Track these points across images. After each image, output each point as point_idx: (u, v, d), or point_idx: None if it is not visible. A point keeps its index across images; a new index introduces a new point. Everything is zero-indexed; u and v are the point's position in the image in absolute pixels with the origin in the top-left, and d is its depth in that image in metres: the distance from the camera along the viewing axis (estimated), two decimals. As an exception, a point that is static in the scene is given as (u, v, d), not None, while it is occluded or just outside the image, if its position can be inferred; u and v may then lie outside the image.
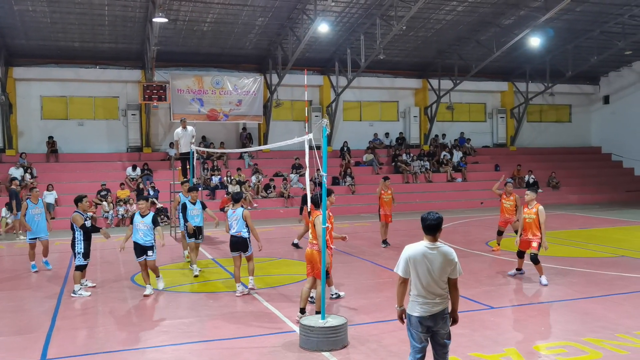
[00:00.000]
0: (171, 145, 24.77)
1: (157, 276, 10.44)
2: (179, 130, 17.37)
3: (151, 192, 21.94)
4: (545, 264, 11.99)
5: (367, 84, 27.95)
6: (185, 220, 12.05)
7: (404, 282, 5.27)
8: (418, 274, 5.15)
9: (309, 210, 8.22)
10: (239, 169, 24.15)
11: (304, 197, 8.33)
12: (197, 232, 11.97)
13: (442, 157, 28.45)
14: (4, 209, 19.54)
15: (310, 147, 7.72)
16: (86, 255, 10.24)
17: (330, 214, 8.12)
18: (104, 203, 20.84)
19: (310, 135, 7.75)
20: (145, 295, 9.92)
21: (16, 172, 21.53)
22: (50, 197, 20.51)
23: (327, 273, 8.15)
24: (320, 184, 7.59)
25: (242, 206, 10.02)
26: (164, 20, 18.60)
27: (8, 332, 8.15)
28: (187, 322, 8.41)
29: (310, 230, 8.31)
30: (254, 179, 24.06)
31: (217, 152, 24.24)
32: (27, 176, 21.70)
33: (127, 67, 24.69)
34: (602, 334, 7.50)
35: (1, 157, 23.30)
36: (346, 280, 10.84)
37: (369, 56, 23.08)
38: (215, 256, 13.94)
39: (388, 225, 14.97)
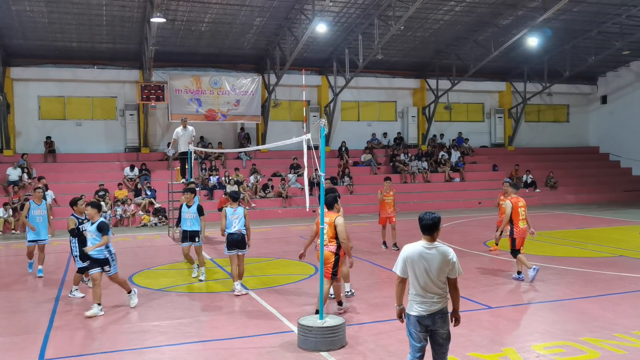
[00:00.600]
0: (169, 145, 24.78)
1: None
2: (179, 129, 17.35)
3: (148, 193, 21.93)
4: (543, 264, 12.02)
5: (365, 84, 27.97)
6: (177, 224, 11.71)
7: (402, 281, 5.29)
8: (416, 274, 5.15)
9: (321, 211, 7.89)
10: (237, 169, 24.14)
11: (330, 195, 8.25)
12: (189, 236, 11.20)
13: (440, 157, 28.47)
14: (1, 209, 19.54)
15: (309, 147, 7.72)
16: (83, 257, 9.90)
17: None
18: (102, 203, 20.80)
19: (309, 135, 7.73)
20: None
21: (13, 173, 21.49)
22: (47, 197, 20.46)
23: (335, 274, 8.29)
24: (318, 184, 7.60)
25: (239, 205, 10.08)
26: (162, 20, 18.58)
27: (6, 332, 8.13)
28: (185, 323, 8.40)
29: (326, 231, 7.98)
30: (252, 179, 24.05)
31: (215, 152, 24.22)
32: (25, 176, 21.67)
33: (125, 67, 24.67)
34: (600, 333, 7.50)
35: (-1, 157, 23.29)
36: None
37: (367, 56, 23.08)
38: (214, 256, 13.91)
39: (393, 227, 14.39)
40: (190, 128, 17.44)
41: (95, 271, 8.84)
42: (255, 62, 26.10)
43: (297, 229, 18.98)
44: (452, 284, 5.24)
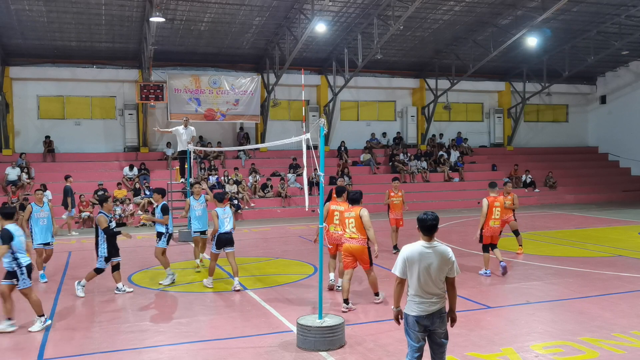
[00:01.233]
0: (169, 145, 24.78)
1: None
2: (180, 127, 17.31)
3: (147, 192, 21.91)
4: (542, 263, 12.05)
5: (364, 84, 27.96)
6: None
7: (401, 282, 5.29)
8: (415, 274, 5.16)
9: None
10: (236, 169, 24.12)
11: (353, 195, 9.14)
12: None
13: (439, 156, 28.47)
14: None
15: (308, 147, 7.74)
16: (108, 259, 9.85)
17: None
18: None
19: (308, 135, 7.74)
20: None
21: (12, 172, 21.46)
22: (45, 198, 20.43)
23: (372, 262, 9.04)
24: (318, 184, 7.62)
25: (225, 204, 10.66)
26: (161, 19, 18.55)
27: (5, 332, 8.12)
28: (184, 322, 8.40)
29: (354, 224, 8.81)
30: (251, 178, 24.05)
31: (214, 151, 24.21)
32: (24, 176, 21.65)
33: (124, 66, 24.65)
34: (598, 333, 7.51)
35: (-2, 156, 23.26)
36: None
37: (366, 56, 23.07)
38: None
39: (398, 229, 14.07)
40: (191, 128, 17.43)
41: (5, 283, 8.13)
42: (254, 62, 26.09)
43: (296, 229, 18.98)
44: (450, 283, 5.25)
